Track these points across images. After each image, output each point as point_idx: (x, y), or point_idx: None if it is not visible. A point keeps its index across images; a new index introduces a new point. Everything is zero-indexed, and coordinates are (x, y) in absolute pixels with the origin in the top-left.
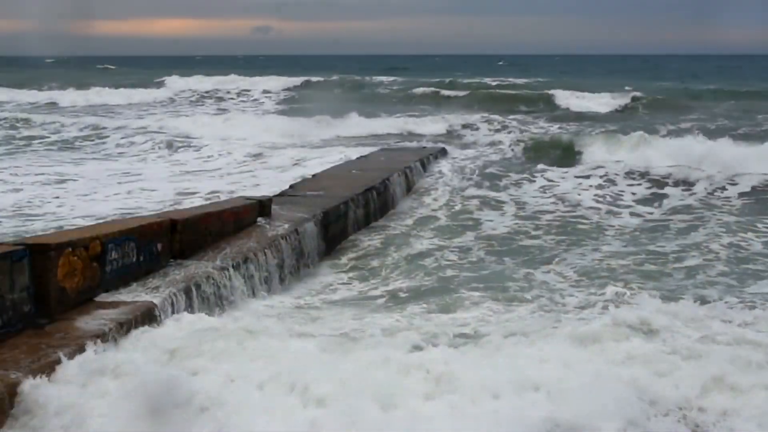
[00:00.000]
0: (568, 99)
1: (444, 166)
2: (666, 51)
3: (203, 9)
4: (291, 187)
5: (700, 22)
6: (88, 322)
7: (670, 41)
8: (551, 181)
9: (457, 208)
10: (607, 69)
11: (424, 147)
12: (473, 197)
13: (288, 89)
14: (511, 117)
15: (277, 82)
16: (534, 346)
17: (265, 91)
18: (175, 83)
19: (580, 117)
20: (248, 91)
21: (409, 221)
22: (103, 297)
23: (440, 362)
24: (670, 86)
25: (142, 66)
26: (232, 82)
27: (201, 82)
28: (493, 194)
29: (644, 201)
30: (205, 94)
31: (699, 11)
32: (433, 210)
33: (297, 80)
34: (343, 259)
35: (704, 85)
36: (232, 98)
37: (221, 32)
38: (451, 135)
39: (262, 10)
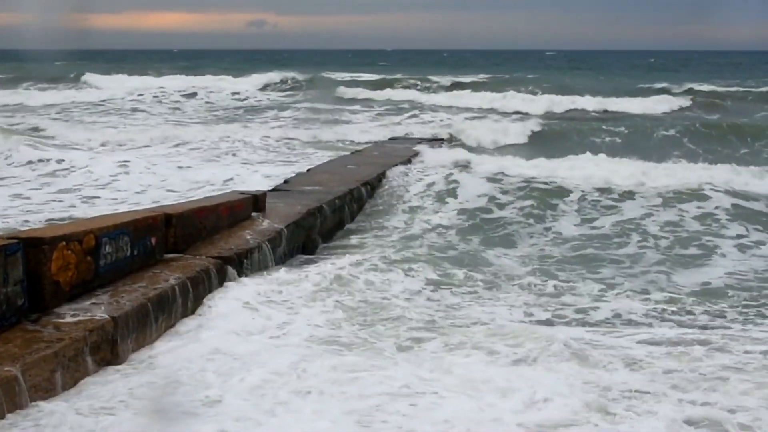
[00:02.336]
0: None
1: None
2: (658, 47)
3: (198, 3)
4: (285, 181)
5: (694, 18)
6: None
7: (664, 38)
8: None
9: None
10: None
11: (419, 142)
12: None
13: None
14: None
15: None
16: None
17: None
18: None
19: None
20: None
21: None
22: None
23: None
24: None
25: (128, 60)
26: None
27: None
28: None
29: None
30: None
31: (694, 7)
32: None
33: (260, 79)
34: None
35: None
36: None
37: (216, 26)
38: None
39: (258, 4)
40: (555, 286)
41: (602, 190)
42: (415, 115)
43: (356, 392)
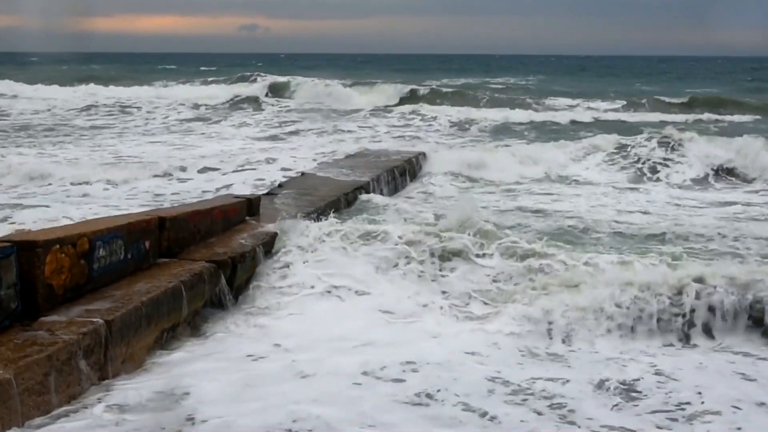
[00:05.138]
0: None
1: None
2: (658, 53)
3: (190, 6)
4: (280, 185)
5: (698, 24)
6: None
7: (663, 43)
8: None
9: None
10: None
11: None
12: None
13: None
14: None
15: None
16: None
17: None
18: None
19: None
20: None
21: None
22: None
23: None
24: None
25: (112, 62)
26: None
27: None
28: None
29: None
30: None
31: (698, 13)
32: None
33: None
34: None
35: None
36: None
37: (207, 30)
38: None
39: (249, 7)
40: None
41: None
42: (407, 124)
43: None
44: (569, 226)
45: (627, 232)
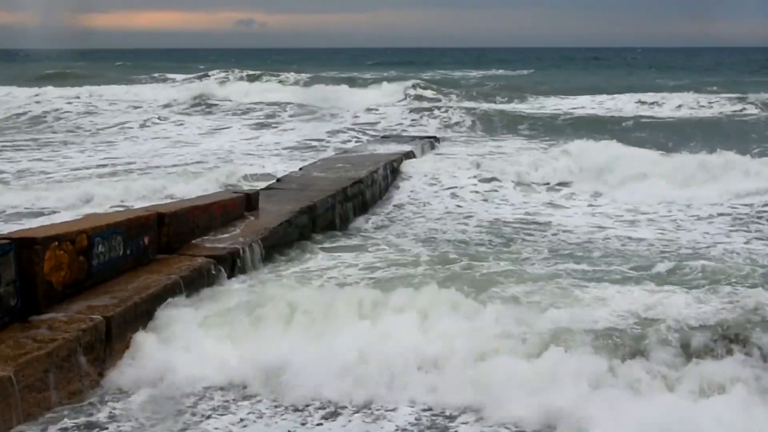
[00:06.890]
0: None
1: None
2: (646, 45)
3: (185, 2)
4: (278, 180)
5: (689, 15)
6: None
7: (655, 35)
8: None
9: None
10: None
11: (412, 140)
12: None
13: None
14: None
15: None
16: None
17: None
18: None
19: None
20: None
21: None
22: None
23: None
24: None
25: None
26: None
27: None
28: None
29: None
30: None
31: (689, 4)
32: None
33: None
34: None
35: None
36: None
37: (203, 25)
38: None
39: (246, 2)
40: None
41: None
42: (403, 121)
43: None
44: None
45: None
